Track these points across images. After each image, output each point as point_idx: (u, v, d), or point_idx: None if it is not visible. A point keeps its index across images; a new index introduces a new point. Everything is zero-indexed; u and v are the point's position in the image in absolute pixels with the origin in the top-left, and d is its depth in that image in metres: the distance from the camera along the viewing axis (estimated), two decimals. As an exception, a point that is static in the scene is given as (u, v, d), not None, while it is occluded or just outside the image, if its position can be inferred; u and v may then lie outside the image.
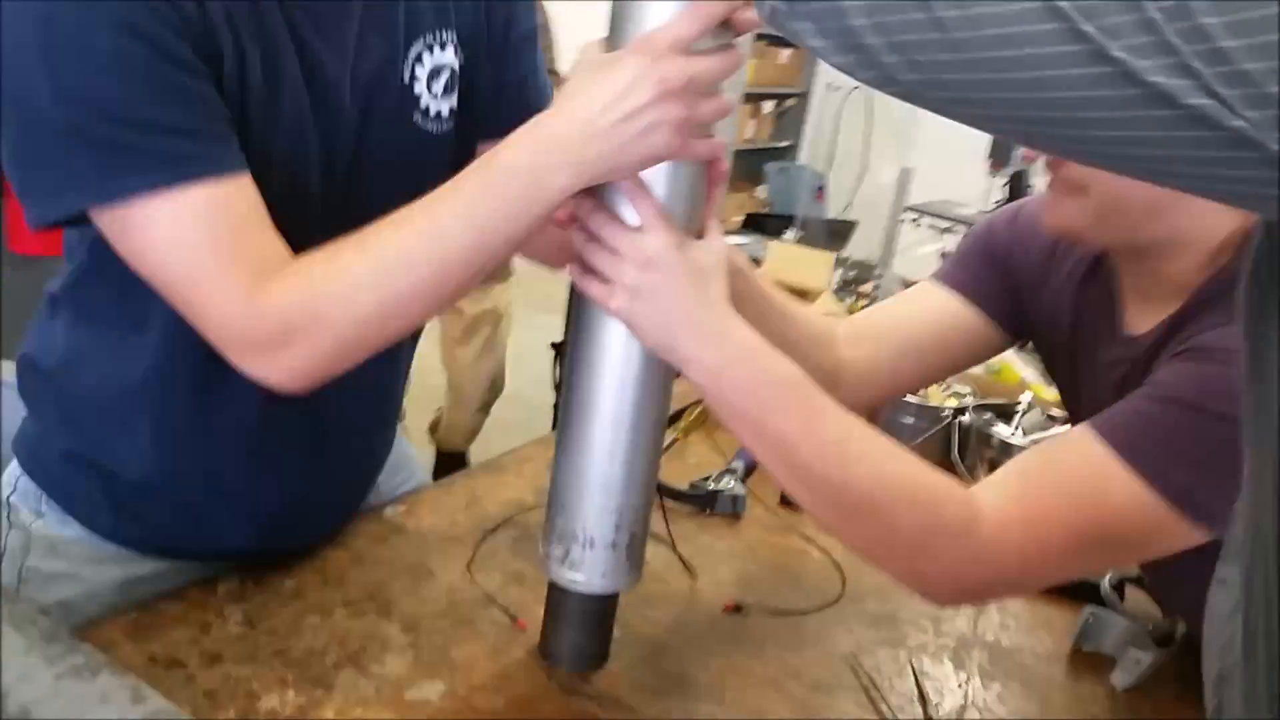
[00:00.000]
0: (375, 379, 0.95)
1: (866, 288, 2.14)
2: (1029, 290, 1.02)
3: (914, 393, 1.31)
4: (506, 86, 0.94)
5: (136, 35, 0.65)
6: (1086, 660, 1.04)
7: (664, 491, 1.21)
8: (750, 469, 1.32)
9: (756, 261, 2.01)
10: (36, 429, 0.93)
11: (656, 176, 0.74)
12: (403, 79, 0.85)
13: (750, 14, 0.69)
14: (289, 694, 0.82)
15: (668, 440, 1.40)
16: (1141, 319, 0.91)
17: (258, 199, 0.72)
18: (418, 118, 0.87)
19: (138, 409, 0.85)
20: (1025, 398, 1.40)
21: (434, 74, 0.87)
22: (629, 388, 0.80)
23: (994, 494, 0.77)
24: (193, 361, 0.80)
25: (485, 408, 2.57)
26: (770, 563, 1.15)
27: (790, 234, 2.36)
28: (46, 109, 0.65)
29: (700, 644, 0.98)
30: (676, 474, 1.27)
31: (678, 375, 0.81)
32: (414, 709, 0.83)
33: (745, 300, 0.82)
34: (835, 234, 2.81)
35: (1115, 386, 0.89)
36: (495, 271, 1.61)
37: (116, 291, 0.80)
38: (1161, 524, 0.74)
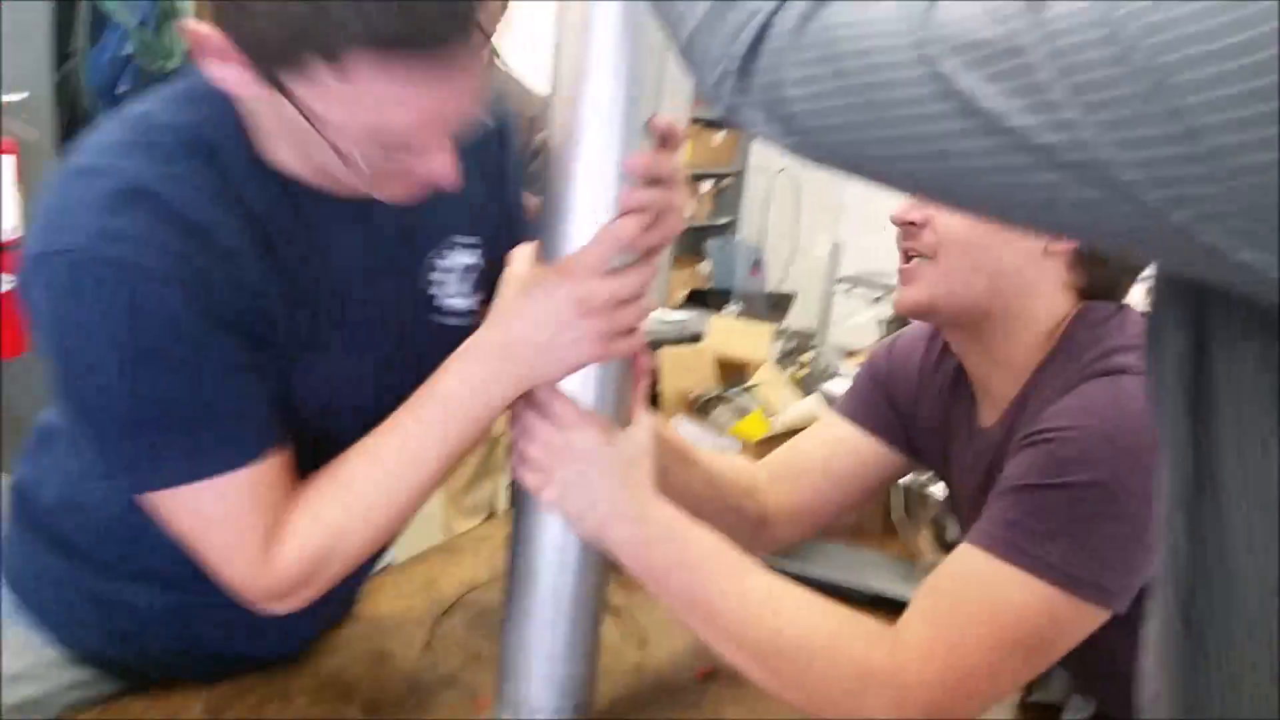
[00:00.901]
0: None
1: (806, 357, 2.21)
2: (908, 411, 1.09)
3: (842, 519, 1.35)
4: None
5: (186, 326, 0.69)
6: (1036, 711, 1.08)
7: (614, 566, 1.24)
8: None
9: (697, 337, 2.07)
10: (24, 552, 0.93)
11: (585, 374, 0.81)
12: (423, 289, 0.89)
13: (653, 237, 0.77)
14: (253, 784, 0.82)
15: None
16: (989, 412, 0.96)
17: (287, 470, 0.78)
18: (435, 317, 0.90)
19: (144, 543, 0.85)
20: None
21: (465, 272, 0.91)
22: (568, 568, 0.86)
23: (913, 625, 0.80)
24: None
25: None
26: (724, 630, 1.17)
27: (732, 308, 2.43)
28: (114, 401, 0.70)
29: (658, 709, 1.00)
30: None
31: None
32: (379, 793, 0.84)
33: (676, 466, 0.89)
34: (775, 306, 2.90)
35: (979, 485, 0.93)
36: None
37: None
38: (1060, 609, 0.77)
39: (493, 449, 2.21)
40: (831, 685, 0.78)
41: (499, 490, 2.30)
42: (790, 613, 0.79)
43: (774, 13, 0.48)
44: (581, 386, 0.81)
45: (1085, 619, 0.79)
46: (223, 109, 0.73)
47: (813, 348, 2.20)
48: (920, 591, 0.83)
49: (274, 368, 0.77)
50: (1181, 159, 0.37)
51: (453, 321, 0.91)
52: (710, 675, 1.05)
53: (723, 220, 5.97)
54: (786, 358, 2.16)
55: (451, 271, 0.91)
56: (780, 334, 2.20)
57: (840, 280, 2.28)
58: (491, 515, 2.18)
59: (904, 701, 0.76)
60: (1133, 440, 0.77)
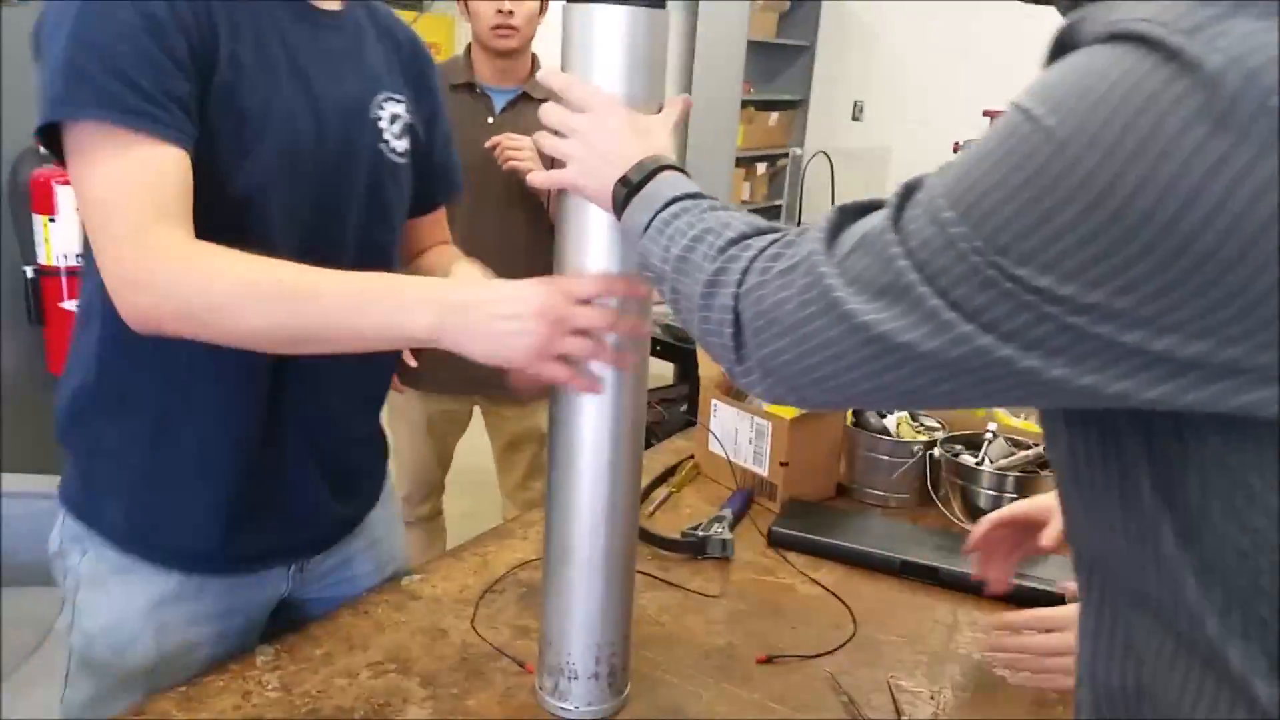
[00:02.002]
0: (351, 380, 1.10)
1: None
2: None
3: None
4: (428, 172, 1.14)
5: (147, 19, 0.84)
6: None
7: (658, 541, 1.32)
8: (739, 516, 1.42)
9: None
10: (71, 460, 1.05)
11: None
12: (371, 114, 1.03)
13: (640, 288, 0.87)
14: (321, 746, 0.92)
15: (664, 495, 1.51)
16: None
17: (185, 180, 0.87)
18: (384, 149, 1.05)
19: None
20: (991, 428, 1.49)
21: (393, 118, 1.06)
22: (600, 541, 0.94)
23: None
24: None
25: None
26: (758, 600, 1.24)
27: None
28: (60, 49, 0.83)
29: (694, 678, 1.07)
30: (670, 524, 1.38)
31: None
32: (433, 752, 0.93)
33: None
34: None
35: None
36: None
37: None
38: None
39: (543, 447, 2.31)
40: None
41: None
42: None
43: (737, 311, 0.60)
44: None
45: None
46: None
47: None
48: None
49: (222, 99, 0.89)
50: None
51: (394, 159, 1.06)
52: (769, 660, 1.11)
53: (778, 202, 5.98)
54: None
55: (389, 116, 1.06)
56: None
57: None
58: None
59: None
60: None
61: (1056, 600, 1.17)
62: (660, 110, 0.88)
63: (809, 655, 1.11)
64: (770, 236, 0.62)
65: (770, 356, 0.57)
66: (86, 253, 0.97)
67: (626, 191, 0.78)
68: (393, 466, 1.26)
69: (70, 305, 2.35)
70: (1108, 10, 0.46)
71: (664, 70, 0.89)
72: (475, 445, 2.52)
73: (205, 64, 0.89)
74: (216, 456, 1.01)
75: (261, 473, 1.03)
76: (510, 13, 1.96)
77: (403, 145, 1.08)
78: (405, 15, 0.93)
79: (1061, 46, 0.48)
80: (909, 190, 0.51)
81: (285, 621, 1.14)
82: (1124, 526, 0.52)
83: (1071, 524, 0.59)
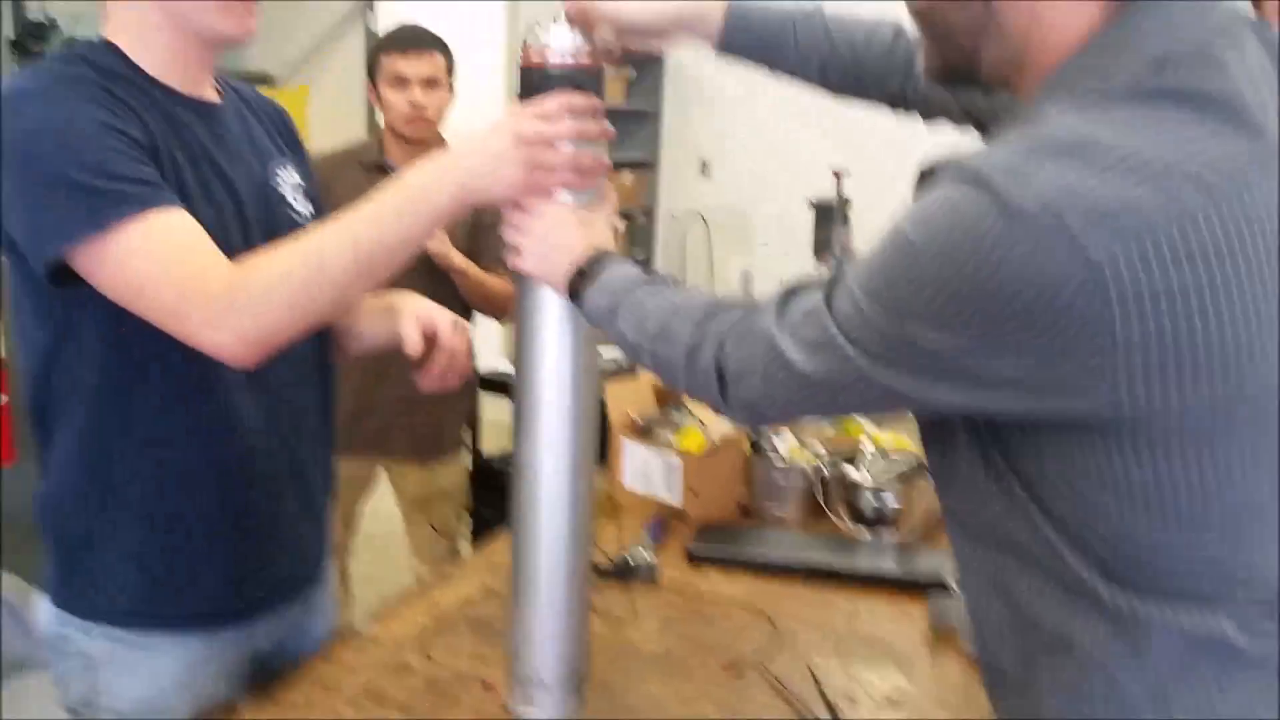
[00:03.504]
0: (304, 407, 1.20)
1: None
2: None
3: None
4: None
5: (108, 126, 0.94)
6: (942, 637, 1.32)
7: (593, 570, 1.45)
8: (658, 541, 1.58)
9: (635, 368, 2.30)
10: (60, 556, 1.11)
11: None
12: (274, 185, 1.15)
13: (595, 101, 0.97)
14: (322, 772, 1.02)
15: (585, 530, 1.65)
16: None
17: (202, 230, 0.97)
18: (292, 214, 1.16)
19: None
20: (867, 445, 1.71)
21: (293, 186, 1.17)
22: (560, 567, 1.06)
23: None
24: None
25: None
26: (686, 610, 1.40)
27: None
28: (49, 169, 0.92)
29: (643, 679, 1.21)
30: (597, 554, 1.52)
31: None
32: (424, 765, 1.04)
33: None
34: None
35: None
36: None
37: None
38: None
39: (447, 504, 2.43)
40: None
41: (455, 542, 2.51)
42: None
43: (720, 368, 0.81)
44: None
45: None
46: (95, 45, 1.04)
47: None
48: None
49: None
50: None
51: (300, 219, 1.16)
52: (732, 668, 1.25)
53: (638, 257, 6.23)
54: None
55: (288, 184, 1.16)
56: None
57: (753, 303, 2.54)
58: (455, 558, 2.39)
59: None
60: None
61: (940, 586, 1.37)
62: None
63: (758, 659, 1.27)
64: (735, 313, 0.82)
65: (746, 396, 0.80)
66: (54, 352, 1.04)
67: (583, 278, 0.94)
68: None
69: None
70: (965, 155, 0.66)
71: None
72: (375, 510, 2.59)
73: (150, 156, 0.99)
74: (217, 519, 1.10)
75: (259, 517, 1.13)
76: (423, 106, 2.11)
77: (306, 209, 1.18)
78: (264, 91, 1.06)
79: (926, 175, 0.69)
80: (834, 281, 0.73)
81: (254, 676, 1.22)
82: (991, 500, 0.72)
83: (951, 514, 0.79)
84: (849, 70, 1.06)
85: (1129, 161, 0.60)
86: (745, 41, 1.05)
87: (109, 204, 0.92)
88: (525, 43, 0.98)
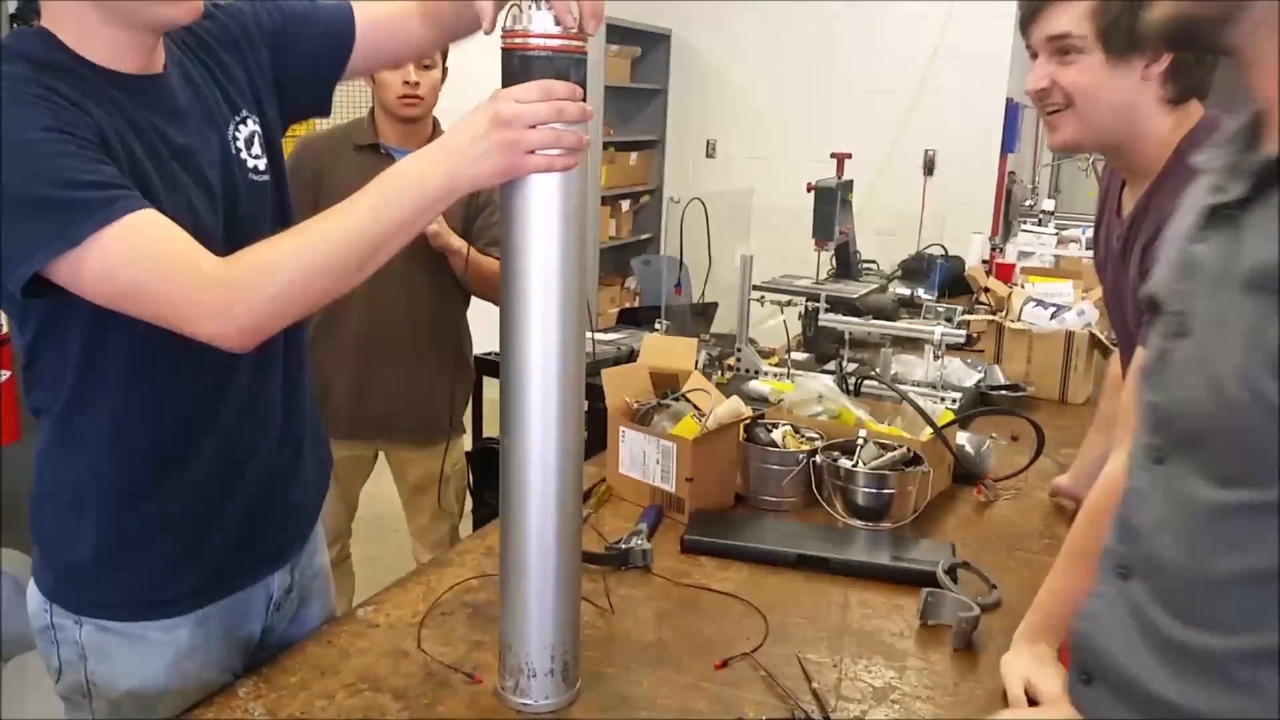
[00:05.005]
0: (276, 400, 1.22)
1: (731, 360, 2.47)
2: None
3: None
4: (313, 42, 1.23)
5: (56, 130, 0.92)
6: (931, 631, 1.34)
7: (587, 557, 1.47)
8: (653, 529, 1.60)
9: (634, 354, 2.31)
10: (49, 554, 1.13)
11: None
12: (233, 151, 1.13)
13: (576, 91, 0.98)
14: (317, 757, 1.04)
15: (585, 512, 1.66)
16: (1128, 204, 1.34)
17: (174, 224, 0.97)
18: (252, 175, 1.15)
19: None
20: (861, 434, 1.72)
21: (248, 141, 1.16)
22: (549, 556, 1.08)
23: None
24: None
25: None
26: (679, 600, 1.41)
27: (660, 325, 2.67)
28: (6, 189, 0.89)
29: (632, 669, 1.23)
30: (593, 542, 1.53)
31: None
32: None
33: None
34: (700, 315, 3.15)
35: (1115, 259, 1.36)
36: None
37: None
38: None
39: (448, 487, 2.43)
40: None
41: (456, 526, 2.52)
42: None
43: None
44: None
45: None
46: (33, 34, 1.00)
47: (736, 352, 2.46)
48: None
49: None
50: None
51: (258, 179, 1.16)
52: (725, 664, 1.25)
53: (644, 236, 6.24)
54: (713, 363, 2.41)
55: (244, 139, 1.15)
56: (704, 342, 2.45)
57: (754, 287, 2.54)
58: (455, 542, 2.40)
59: None
60: None
61: (930, 580, 1.39)
62: None
63: (749, 652, 1.27)
64: None
65: None
66: (36, 348, 1.05)
67: None
68: None
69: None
70: None
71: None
72: (378, 492, 2.61)
73: (104, 151, 0.97)
74: (195, 505, 1.13)
75: (252, 486, 1.16)
76: (416, 84, 2.10)
77: (263, 162, 1.17)
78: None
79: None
80: None
81: (254, 660, 1.24)
82: None
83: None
84: None
85: None
86: None
87: (77, 217, 0.91)
88: (504, 27, 0.98)
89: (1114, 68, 1.26)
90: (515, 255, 1.02)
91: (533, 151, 0.95)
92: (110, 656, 1.12)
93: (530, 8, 0.97)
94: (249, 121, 1.16)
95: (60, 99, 0.95)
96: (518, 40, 0.98)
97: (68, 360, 1.05)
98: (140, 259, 0.94)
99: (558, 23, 0.96)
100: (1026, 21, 1.33)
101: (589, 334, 2.81)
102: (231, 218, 1.11)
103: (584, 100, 0.98)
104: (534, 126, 0.95)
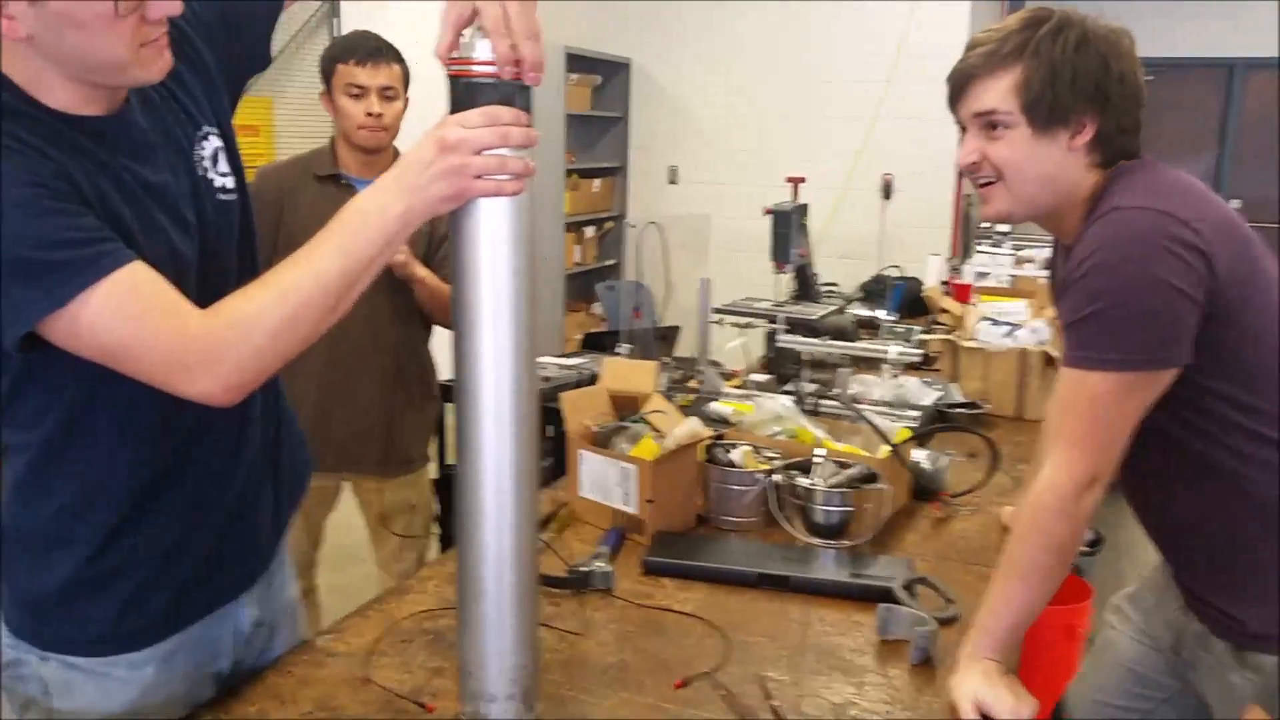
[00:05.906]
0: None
1: (692, 383, 2.48)
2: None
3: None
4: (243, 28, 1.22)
5: (35, 184, 0.92)
6: (891, 647, 1.35)
7: (548, 580, 1.47)
8: (615, 551, 1.60)
9: (594, 378, 2.32)
10: (18, 592, 1.12)
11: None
12: (199, 174, 1.12)
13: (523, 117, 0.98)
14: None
15: (547, 536, 1.66)
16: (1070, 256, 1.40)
17: (158, 274, 0.97)
18: (220, 195, 1.15)
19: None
20: (819, 453, 1.74)
21: (214, 158, 1.15)
22: (506, 573, 1.08)
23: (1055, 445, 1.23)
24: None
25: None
26: (641, 621, 1.42)
27: (623, 348, 2.68)
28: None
29: (593, 691, 1.23)
30: (555, 566, 1.53)
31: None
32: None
33: None
34: (662, 339, 3.17)
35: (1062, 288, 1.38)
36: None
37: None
38: (1132, 384, 1.19)
39: (414, 517, 2.43)
40: None
41: (423, 555, 2.51)
42: None
43: None
44: None
45: (1156, 382, 1.20)
46: None
47: (697, 374, 2.48)
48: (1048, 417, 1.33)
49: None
50: None
51: (225, 198, 1.15)
52: (686, 684, 1.25)
53: (609, 262, 6.27)
54: (675, 386, 2.43)
55: (209, 158, 1.14)
56: (665, 366, 2.46)
57: (714, 310, 2.57)
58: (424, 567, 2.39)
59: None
60: (1126, 253, 1.17)
61: (888, 596, 1.40)
62: None
63: (709, 671, 1.28)
64: None
65: None
66: (12, 395, 1.04)
67: None
68: None
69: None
70: None
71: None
72: (344, 522, 2.59)
73: (79, 200, 0.96)
74: (189, 524, 1.13)
75: (224, 514, 1.16)
76: (380, 114, 2.11)
77: (230, 180, 1.16)
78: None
79: None
80: None
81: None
82: None
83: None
84: None
85: None
86: None
87: (65, 276, 0.91)
88: (450, 55, 1.00)
89: (1039, 140, 1.28)
90: (466, 279, 1.03)
91: (480, 176, 0.97)
92: (74, 693, 1.10)
93: (475, 34, 0.98)
94: (211, 137, 1.16)
95: (29, 148, 0.94)
96: (462, 66, 0.99)
97: (54, 402, 1.04)
98: (127, 320, 0.94)
99: (494, 52, 0.98)
100: (954, 98, 1.36)
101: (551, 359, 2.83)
102: (204, 242, 1.11)
103: (530, 126, 1.00)
104: (480, 152, 0.96)
